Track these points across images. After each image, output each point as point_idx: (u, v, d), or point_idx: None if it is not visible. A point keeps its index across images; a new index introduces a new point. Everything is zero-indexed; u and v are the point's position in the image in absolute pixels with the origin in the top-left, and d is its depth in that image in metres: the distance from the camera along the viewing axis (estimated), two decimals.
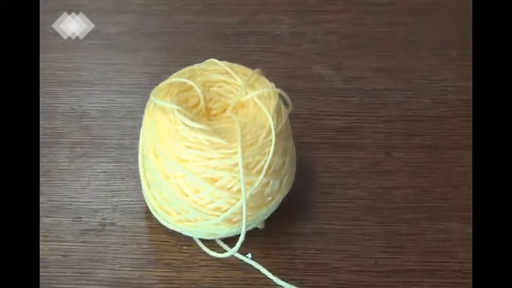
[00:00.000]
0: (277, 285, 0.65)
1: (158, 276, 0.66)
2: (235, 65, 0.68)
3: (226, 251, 0.66)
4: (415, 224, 0.69)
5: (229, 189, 0.63)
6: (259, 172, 0.63)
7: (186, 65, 0.69)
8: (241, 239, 0.64)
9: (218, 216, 0.64)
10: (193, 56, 0.72)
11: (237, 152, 0.62)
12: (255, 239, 0.67)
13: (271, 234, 0.68)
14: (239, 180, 0.63)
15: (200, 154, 0.63)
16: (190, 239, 0.67)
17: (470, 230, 0.60)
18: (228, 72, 0.68)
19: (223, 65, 0.68)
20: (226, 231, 0.66)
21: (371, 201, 0.71)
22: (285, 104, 0.68)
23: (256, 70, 0.68)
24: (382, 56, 0.84)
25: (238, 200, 0.64)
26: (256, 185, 0.63)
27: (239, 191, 0.63)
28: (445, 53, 0.84)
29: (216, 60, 0.68)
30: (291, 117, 0.68)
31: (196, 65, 0.69)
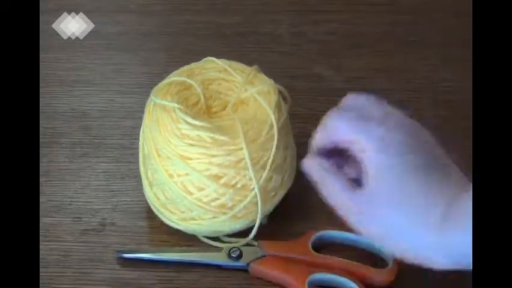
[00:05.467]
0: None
1: (158, 276, 0.65)
2: (232, 63, 0.69)
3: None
4: None
5: (233, 185, 0.63)
6: (263, 167, 0.64)
7: (186, 65, 0.69)
8: (252, 233, 0.65)
9: (224, 213, 0.64)
10: (193, 56, 0.72)
11: (240, 148, 0.62)
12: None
13: (272, 234, 0.68)
14: (243, 176, 0.63)
15: (203, 151, 0.63)
16: (190, 238, 0.67)
17: None
18: (226, 70, 0.68)
19: (221, 62, 0.68)
20: (231, 227, 0.66)
21: None
22: (284, 99, 0.68)
23: (254, 67, 0.68)
24: (382, 56, 0.84)
25: (242, 196, 0.64)
26: (263, 178, 0.63)
27: (243, 187, 0.63)
28: (445, 53, 0.84)
29: (214, 58, 0.69)
30: (290, 117, 0.68)
31: (193, 63, 0.69)
